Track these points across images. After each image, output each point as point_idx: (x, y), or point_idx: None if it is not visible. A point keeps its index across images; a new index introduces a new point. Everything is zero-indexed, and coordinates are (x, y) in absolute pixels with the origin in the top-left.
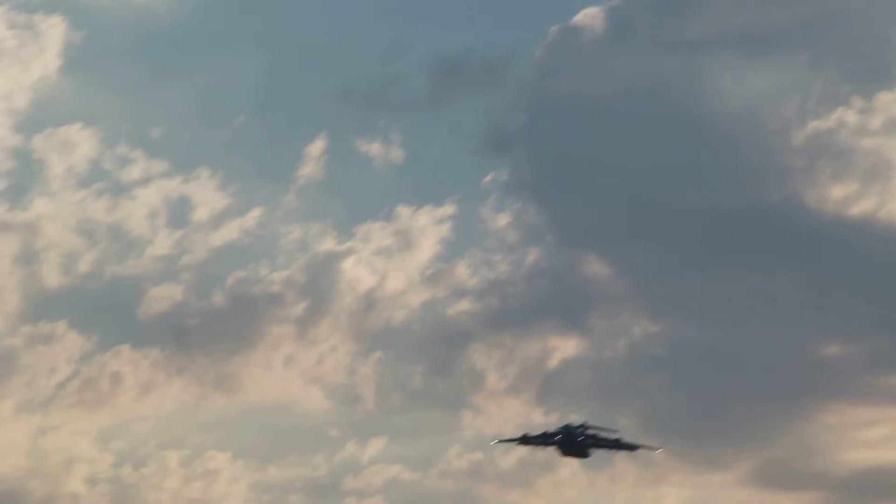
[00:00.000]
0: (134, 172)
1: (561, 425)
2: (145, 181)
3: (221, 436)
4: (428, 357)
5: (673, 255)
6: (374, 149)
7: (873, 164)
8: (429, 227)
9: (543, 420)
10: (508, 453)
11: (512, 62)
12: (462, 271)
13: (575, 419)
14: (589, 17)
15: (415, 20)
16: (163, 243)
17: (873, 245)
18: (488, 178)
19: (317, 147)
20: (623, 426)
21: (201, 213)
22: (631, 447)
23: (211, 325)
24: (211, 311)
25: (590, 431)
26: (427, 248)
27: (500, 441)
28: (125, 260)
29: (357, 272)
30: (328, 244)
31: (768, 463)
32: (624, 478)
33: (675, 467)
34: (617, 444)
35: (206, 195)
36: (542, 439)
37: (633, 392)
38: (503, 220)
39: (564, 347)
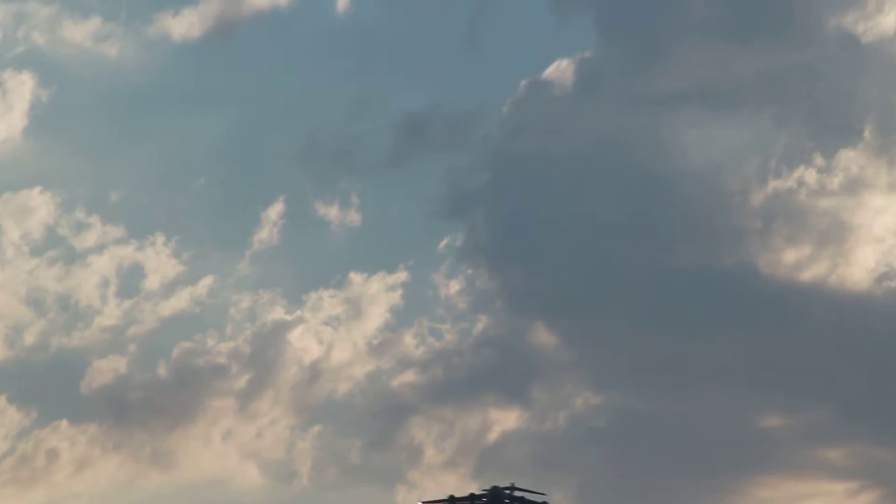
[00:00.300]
0: (89, 239)
1: (488, 487)
2: (100, 248)
3: None
4: (367, 431)
5: (622, 323)
6: (331, 212)
7: (828, 227)
8: (380, 294)
9: None
10: None
11: (479, 119)
12: (409, 341)
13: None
14: (559, 70)
15: (381, 77)
16: (112, 313)
17: (822, 312)
18: (444, 242)
19: (275, 211)
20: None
21: (153, 282)
22: None
23: (152, 399)
24: (154, 384)
25: (517, 493)
26: (376, 317)
27: (425, 503)
28: (72, 331)
29: (304, 342)
30: (277, 313)
31: None
32: None
33: None
34: None
35: (160, 262)
36: (468, 501)
37: (570, 465)
38: (454, 287)
39: (505, 420)
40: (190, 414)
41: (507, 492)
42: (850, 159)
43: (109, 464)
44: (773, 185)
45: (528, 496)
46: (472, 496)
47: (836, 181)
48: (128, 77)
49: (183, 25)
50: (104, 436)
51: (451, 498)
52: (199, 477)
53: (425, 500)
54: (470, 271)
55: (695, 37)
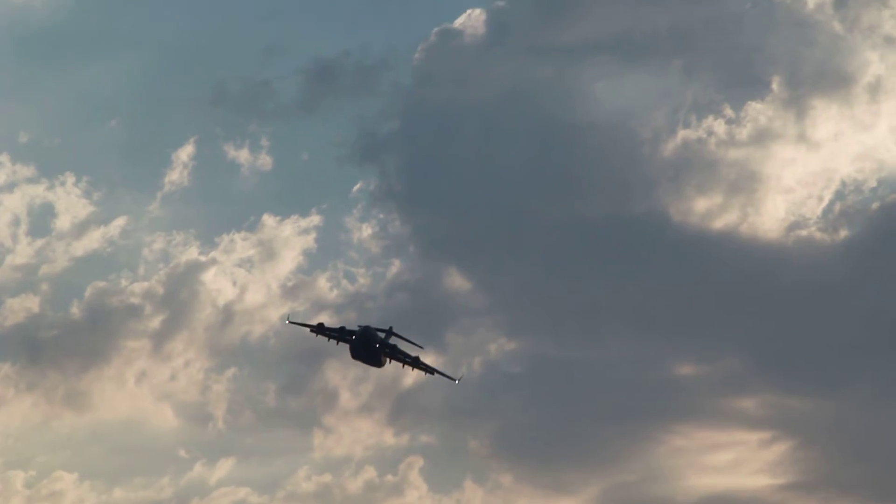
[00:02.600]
0: None
1: (362, 325)
2: (9, 187)
3: (69, 455)
4: (282, 374)
5: (535, 270)
6: (242, 155)
7: (738, 176)
8: (293, 237)
9: (394, 441)
10: (357, 476)
11: (389, 66)
12: (323, 284)
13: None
14: (471, 19)
15: (293, 23)
16: (23, 252)
17: (734, 260)
18: (357, 187)
19: (185, 153)
20: (473, 448)
21: (64, 221)
22: (429, 370)
23: (66, 339)
24: (67, 324)
25: (391, 341)
26: (289, 260)
27: (292, 322)
28: None
29: (217, 284)
30: (190, 254)
31: (615, 488)
32: (470, 502)
33: (522, 492)
34: (415, 363)
35: (70, 202)
36: (337, 334)
37: (486, 412)
38: (367, 231)
39: None
40: (104, 355)
41: (381, 336)
42: (759, 111)
43: (23, 404)
44: (683, 134)
45: (400, 346)
46: (342, 329)
47: (744, 132)
48: (36, 21)
49: None
50: (17, 376)
51: (321, 325)
52: (113, 418)
53: (344, 452)
54: (382, 216)
55: None
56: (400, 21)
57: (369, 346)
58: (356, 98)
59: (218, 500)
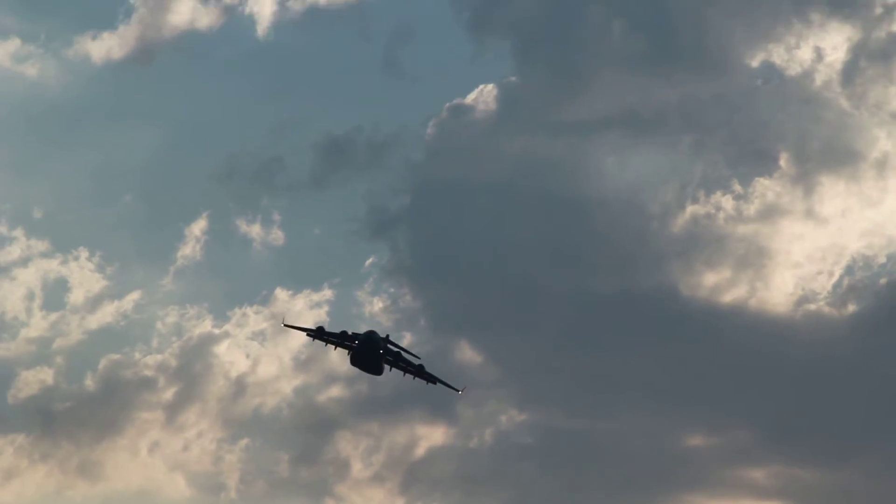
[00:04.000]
0: (13, 252)
1: (366, 331)
2: (24, 261)
3: None
4: (295, 444)
5: (546, 342)
6: (254, 230)
7: (746, 251)
8: (305, 311)
9: None
10: None
11: (401, 142)
12: (335, 357)
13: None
14: (483, 94)
15: (305, 99)
16: (38, 325)
17: (743, 334)
18: (369, 261)
19: (198, 227)
20: None
21: (77, 295)
22: (432, 380)
23: (79, 410)
24: (81, 396)
25: (393, 348)
26: (302, 333)
27: (288, 325)
28: None
29: (230, 356)
30: (204, 327)
31: None
32: None
33: None
34: (418, 371)
35: (84, 276)
36: (338, 339)
37: (497, 482)
38: (378, 304)
39: (431, 436)
40: (117, 425)
41: (384, 341)
42: (767, 187)
43: (36, 474)
44: (692, 209)
45: (404, 353)
46: (343, 334)
47: (753, 208)
48: (49, 96)
49: (103, 48)
50: (31, 446)
51: (320, 330)
52: (126, 488)
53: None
54: (393, 290)
55: (615, 65)
56: (412, 97)
57: (373, 351)
58: (367, 173)
59: None
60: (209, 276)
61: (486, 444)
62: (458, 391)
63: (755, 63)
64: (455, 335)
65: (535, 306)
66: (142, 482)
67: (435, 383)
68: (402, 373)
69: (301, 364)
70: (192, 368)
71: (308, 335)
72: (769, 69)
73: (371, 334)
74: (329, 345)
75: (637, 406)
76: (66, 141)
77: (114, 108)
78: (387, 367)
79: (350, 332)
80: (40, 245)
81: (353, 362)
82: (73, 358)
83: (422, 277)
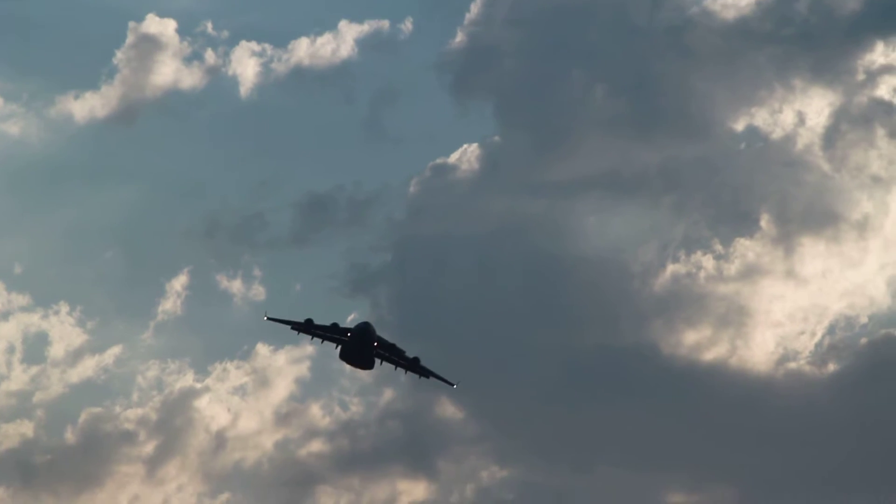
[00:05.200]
0: None
1: (359, 322)
2: (4, 315)
3: None
4: (276, 499)
5: (527, 399)
6: (235, 285)
7: (727, 310)
8: (286, 366)
9: None
10: None
11: (383, 201)
12: (316, 412)
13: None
14: (467, 154)
15: (287, 157)
16: (18, 378)
17: (723, 392)
18: (350, 318)
19: (179, 282)
20: None
21: (58, 349)
22: (425, 373)
23: (59, 464)
24: (61, 449)
25: (386, 341)
26: (283, 388)
27: (272, 318)
28: None
29: (211, 410)
30: (185, 382)
31: None
32: None
33: None
34: (412, 365)
35: (64, 331)
36: (324, 331)
37: None
38: None
39: (412, 491)
40: (97, 478)
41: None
42: (747, 247)
43: None
44: (672, 269)
45: (398, 346)
46: (334, 326)
47: (733, 268)
48: (31, 154)
49: (85, 108)
50: (10, 499)
51: (308, 322)
52: None
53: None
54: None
55: (597, 127)
56: (395, 157)
57: (367, 343)
58: (349, 231)
59: None
60: (190, 330)
61: (466, 500)
62: (453, 385)
63: (739, 126)
64: (436, 391)
65: (516, 363)
66: None
67: (428, 377)
68: (393, 367)
69: (282, 418)
70: (172, 422)
71: (294, 329)
72: (752, 133)
73: (366, 325)
74: (316, 338)
75: (618, 463)
76: (47, 198)
77: (96, 167)
78: (377, 362)
79: (340, 325)
80: (21, 299)
81: (343, 356)
82: (54, 411)
83: (402, 334)
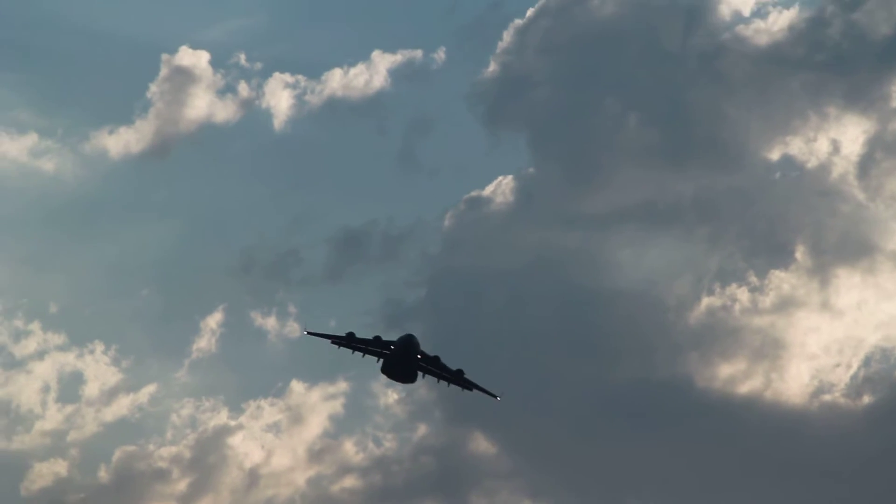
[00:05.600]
0: (29, 346)
1: (403, 335)
2: (40, 354)
3: None
4: None
5: (560, 434)
6: (269, 323)
7: (762, 343)
8: (320, 403)
9: None
10: None
11: (417, 235)
12: (349, 448)
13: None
14: (501, 186)
15: (321, 193)
16: (53, 418)
17: (758, 425)
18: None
19: (214, 320)
20: None
21: (92, 388)
22: (468, 386)
23: (93, 502)
24: (95, 487)
25: (428, 354)
26: (316, 425)
27: (311, 333)
28: (12, 435)
29: (245, 448)
30: (218, 420)
31: None
32: None
33: None
34: (457, 377)
35: (99, 370)
36: (365, 345)
37: None
38: (393, 396)
39: None
40: None
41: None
42: (783, 279)
43: None
44: (707, 301)
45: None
46: (377, 339)
47: (768, 300)
48: (66, 191)
49: (119, 143)
50: None
51: (350, 336)
52: None
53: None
54: None
55: (631, 157)
56: (429, 190)
57: (411, 356)
58: (383, 266)
59: None
60: (225, 368)
61: None
62: (497, 398)
63: (774, 156)
64: (469, 426)
65: (550, 397)
66: None
67: (472, 390)
68: (436, 380)
69: (315, 455)
70: (206, 460)
71: (334, 343)
72: (787, 162)
73: (410, 337)
74: (357, 352)
75: (652, 497)
76: (82, 235)
77: (131, 202)
78: (420, 375)
79: (383, 339)
80: (56, 339)
81: (385, 370)
82: (88, 450)
83: None
